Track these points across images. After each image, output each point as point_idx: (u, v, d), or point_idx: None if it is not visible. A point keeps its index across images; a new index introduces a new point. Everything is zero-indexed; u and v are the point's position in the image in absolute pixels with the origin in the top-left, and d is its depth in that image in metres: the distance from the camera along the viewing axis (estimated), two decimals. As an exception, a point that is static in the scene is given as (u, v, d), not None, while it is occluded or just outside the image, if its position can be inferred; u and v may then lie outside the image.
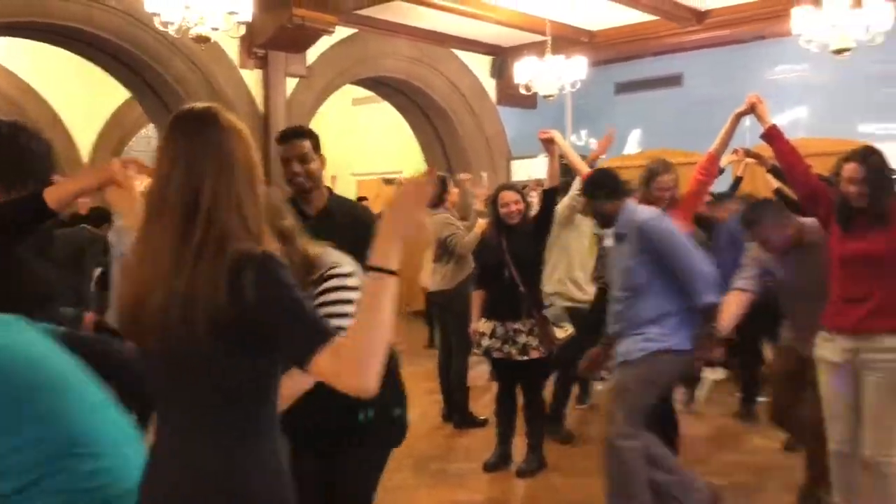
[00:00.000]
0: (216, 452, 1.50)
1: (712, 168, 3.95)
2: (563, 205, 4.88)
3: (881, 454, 3.10)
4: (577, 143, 10.91)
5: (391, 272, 1.42)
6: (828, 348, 3.24)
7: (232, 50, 7.81)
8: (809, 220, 3.49)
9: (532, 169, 10.02)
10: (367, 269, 1.43)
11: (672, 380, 3.74)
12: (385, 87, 10.04)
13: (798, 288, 3.52)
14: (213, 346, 1.46)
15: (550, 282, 4.96)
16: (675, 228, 3.50)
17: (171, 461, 1.53)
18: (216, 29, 5.90)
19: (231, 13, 5.84)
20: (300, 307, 1.44)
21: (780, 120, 9.07)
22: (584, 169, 4.39)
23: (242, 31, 6.29)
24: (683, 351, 3.40)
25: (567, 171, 4.76)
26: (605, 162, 9.48)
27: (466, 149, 10.19)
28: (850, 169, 3.16)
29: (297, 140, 2.77)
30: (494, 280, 4.38)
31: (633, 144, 10.42)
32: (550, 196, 4.41)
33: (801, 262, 3.48)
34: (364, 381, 1.39)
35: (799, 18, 6.27)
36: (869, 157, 3.17)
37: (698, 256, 3.41)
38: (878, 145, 3.34)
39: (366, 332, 1.41)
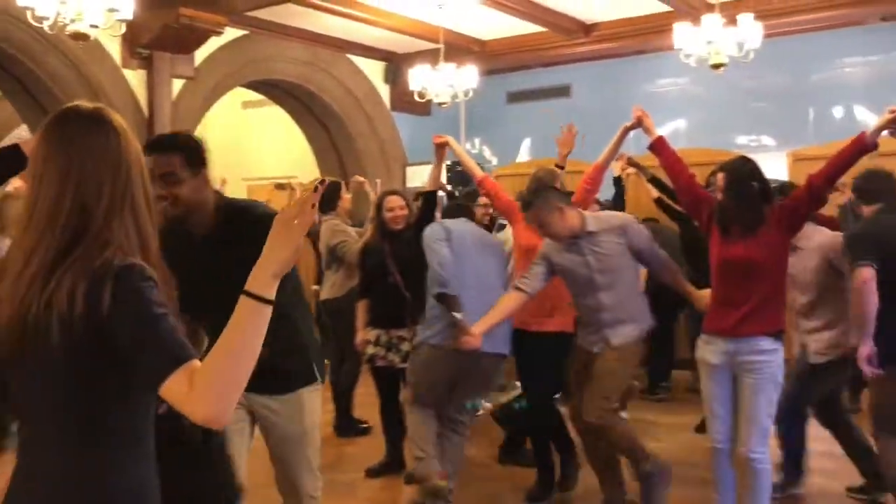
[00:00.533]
0: (75, 475, 1.41)
1: (598, 178, 4.07)
2: None
3: (755, 451, 3.25)
4: (470, 150, 11.03)
5: (267, 301, 1.37)
6: (707, 350, 3.38)
7: (114, 49, 7.48)
8: (605, 213, 3.71)
9: (427, 175, 10.05)
10: (243, 293, 1.37)
11: None
12: (277, 90, 9.86)
13: (581, 283, 3.70)
14: (69, 362, 1.38)
15: None
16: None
17: (28, 483, 1.44)
18: (95, 26, 5.62)
19: (111, 10, 5.58)
20: (157, 324, 1.36)
21: (662, 131, 9.36)
22: (479, 173, 4.42)
23: (123, 29, 6.02)
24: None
25: (464, 178, 4.80)
26: (496, 170, 9.67)
27: (361, 154, 10.12)
28: (718, 178, 3.39)
29: (163, 154, 2.31)
30: (378, 287, 4.34)
31: (524, 153, 10.63)
32: (431, 199, 4.37)
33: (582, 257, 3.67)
34: (216, 411, 1.32)
35: (679, 34, 6.55)
36: (735, 167, 3.34)
37: (433, 258, 3.87)
38: (751, 156, 3.52)
39: (228, 359, 1.34)
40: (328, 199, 5.38)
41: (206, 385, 1.32)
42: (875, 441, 3.66)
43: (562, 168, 4.27)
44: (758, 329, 3.23)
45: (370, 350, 4.37)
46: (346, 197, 5.60)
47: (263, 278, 1.37)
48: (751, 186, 3.26)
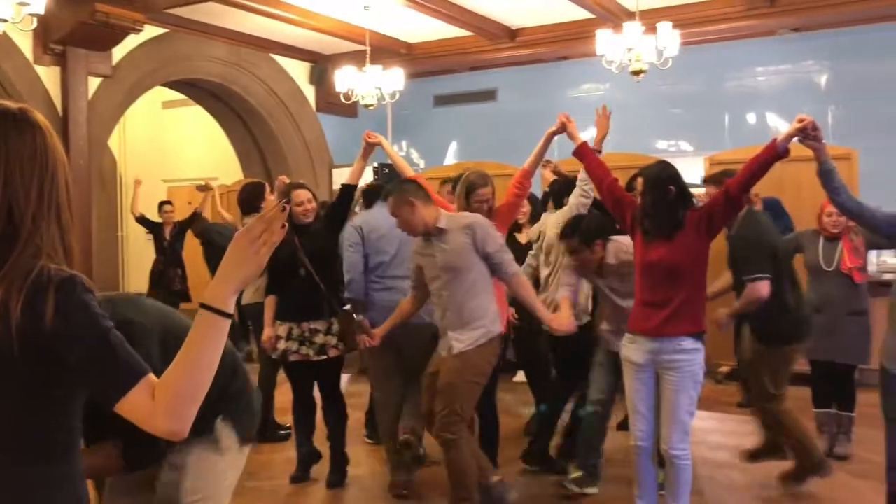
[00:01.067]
0: (19, 491, 1.35)
1: (526, 183, 4.11)
2: (573, 204, 4.42)
3: (676, 447, 3.34)
4: (398, 152, 11.02)
5: (226, 315, 1.35)
6: (631, 350, 3.46)
7: (25, 44, 7.17)
8: (460, 213, 3.92)
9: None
10: (201, 306, 1.35)
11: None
12: (199, 90, 9.64)
13: (432, 280, 3.85)
14: (7, 376, 1.32)
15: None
16: None
17: None
18: (4, 20, 5.39)
19: (22, 3, 5.36)
20: (109, 338, 1.33)
21: (586, 135, 9.59)
22: (410, 172, 4.42)
23: (35, 24, 5.79)
24: None
25: (392, 179, 4.78)
26: (424, 173, 9.68)
27: (286, 156, 9.98)
28: (638, 183, 3.54)
29: None
30: (289, 281, 4.29)
31: (450, 156, 10.68)
32: (348, 192, 4.38)
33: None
34: (178, 424, 1.31)
35: (601, 40, 6.69)
36: (654, 172, 3.43)
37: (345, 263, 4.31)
38: (671, 160, 3.62)
39: (189, 371, 1.32)
40: (250, 200, 5.29)
41: (170, 398, 1.30)
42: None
43: (599, 152, 3.96)
44: (680, 329, 3.31)
45: (281, 345, 4.29)
46: (271, 199, 5.49)
47: (222, 292, 1.35)
48: (669, 191, 3.34)
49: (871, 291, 4.83)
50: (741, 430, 4.72)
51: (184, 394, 1.32)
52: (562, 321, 3.63)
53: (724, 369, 6.53)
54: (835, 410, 4.72)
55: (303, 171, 10.01)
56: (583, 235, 3.82)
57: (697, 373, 3.35)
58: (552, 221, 4.51)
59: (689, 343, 3.32)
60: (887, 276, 5.70)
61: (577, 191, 4.33)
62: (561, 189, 4.71)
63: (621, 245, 3.86)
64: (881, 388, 3.12)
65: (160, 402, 1.31)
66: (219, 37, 8.80)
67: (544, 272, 4.57)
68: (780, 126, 8.61)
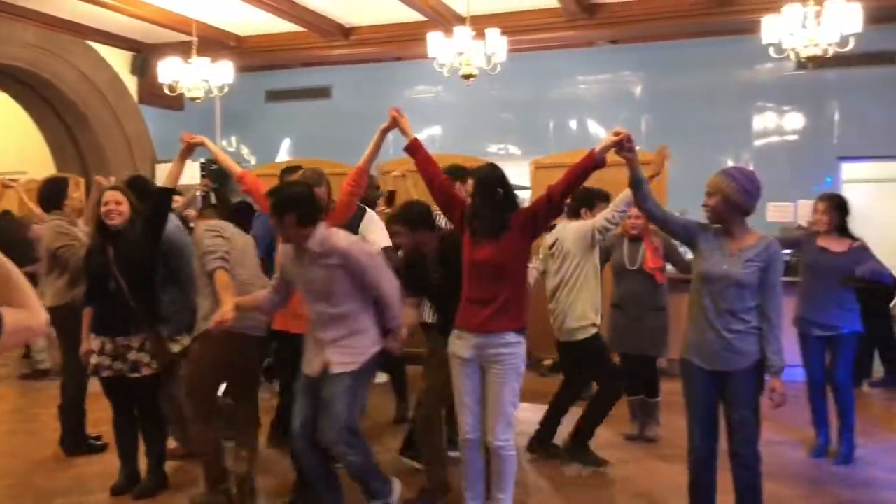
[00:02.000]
0: None
1: (361, 181, 4.08)
2: (598, 221, 4.40)
3: (501, 438, 3.48)
4: (227, 148, 10.67)
5: None
6: (458, 345, 3.55)
7: None
8: (340, 233, 3.58)
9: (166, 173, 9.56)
10: None
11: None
12: (4, 76, 8.86)
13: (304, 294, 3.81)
14: None
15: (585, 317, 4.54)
16: None
17: None
18: None
19: None
20: None
21: (419, 136, 9.83)
22: (238, 170, 4.25)
23: None
24: None
25: (220, 175, 4.57)
26: (255, 169, 9.44)
27: (105, 149, 9.39)
28: (469, 184, 3.63)
29: None
30: (101, 292, 4.04)
31: (283, 152, 10.48)
32: (165, 199, 4.12)
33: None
34: None
35: (434, 44, 6.81)
36: (483, 174, 3.55)
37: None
38: (499, 163, 3.74)
39: None
40: (51, 196, 4.92)
41: None
42: None
43: (649, 180, 3.63)
44: (504, 325, 3.45)
45: (94, 360, 4.05)
46: (75, 195, 5.10)
47: None
48: (497, 193, 3.48)
49: (674, 288, 5.25)
50: (564, 421, 4.97)
51: None
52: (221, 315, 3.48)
53: (548, 362, 6.85)
54: (642, 398, 5.10)
55: (122, 166, 9.46)
56: (406, 220, 3.86)
57: (520, 365, 3.51)
58: (570, 232, 4.57)
59: (512, 337, 3.46)
60: (687, 275, 6.21)
61: (607, 213, 4.38)
62: (581, 200, 4.71)
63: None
64: (682, 377, 3.41)
65: None
66: (27, 19, 8.13)
67: (552, 282, 4.62)
68: (599, 132, 9.16)
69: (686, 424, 3.36)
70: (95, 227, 4.13)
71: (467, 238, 3.53)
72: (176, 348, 4.18)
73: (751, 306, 3.24)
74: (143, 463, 4.29)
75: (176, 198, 4.55)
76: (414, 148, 3.74)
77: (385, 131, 3.92)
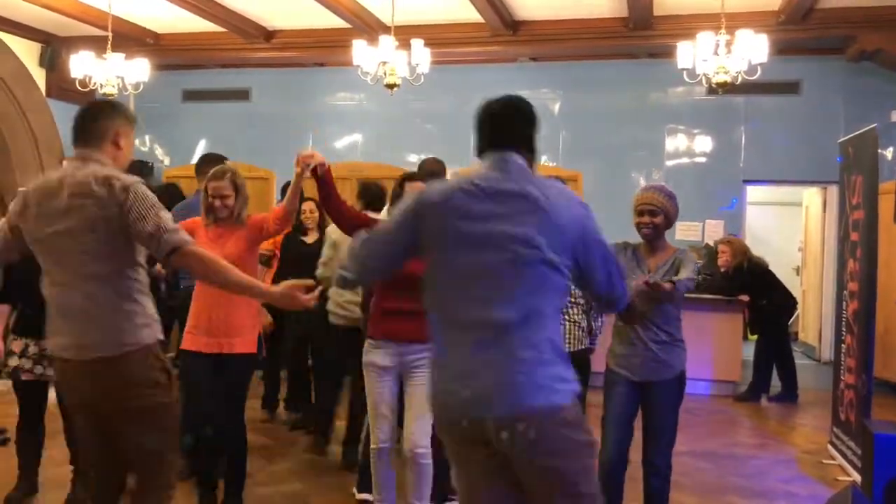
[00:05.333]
0: None
1: (283, 225, 3.81)
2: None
3: (421, 446, 3.45)
4: (141, 148, 10.36)
5: None
6: (377, 354, 3.53)
7: None
8: None
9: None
10: None
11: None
12: None
13: None
14: None
15: None
16: None
17: None
18: None
19: None
20: None
21: (340, 143, 9.84)
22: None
23: None
24: None
25: (147, 169, 4.41)
26: (170, 170, 9.19)
27: (7, 143, 8.96)
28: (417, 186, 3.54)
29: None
30: (27, 294, 3.87)
31: (199, 153, 10.22)
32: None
33: None
34: None
35: (358, 51, 6.80)
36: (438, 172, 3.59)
37: None
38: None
39: None
40: None
41: None
42: None
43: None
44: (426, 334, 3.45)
45: (13, 362, 3.87)
46: None
47: None
48: None
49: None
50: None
51: None
52: None
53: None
54: None
55: (28, 161, 9.05)
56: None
57: None
58: None
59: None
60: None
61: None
62: None
63: None
64: (606, 387, 3.51)
65: None
66: (-74, 2, 7.72)
67: None
68: (518, 147, 9.30)
69: (601, 434, 3.45)
70: None
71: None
72: None
73: (675, 316, 3.37)
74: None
75: None
76: (325, 177, 3.40)
77: (300, 177, 3.50)
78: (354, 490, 4.06)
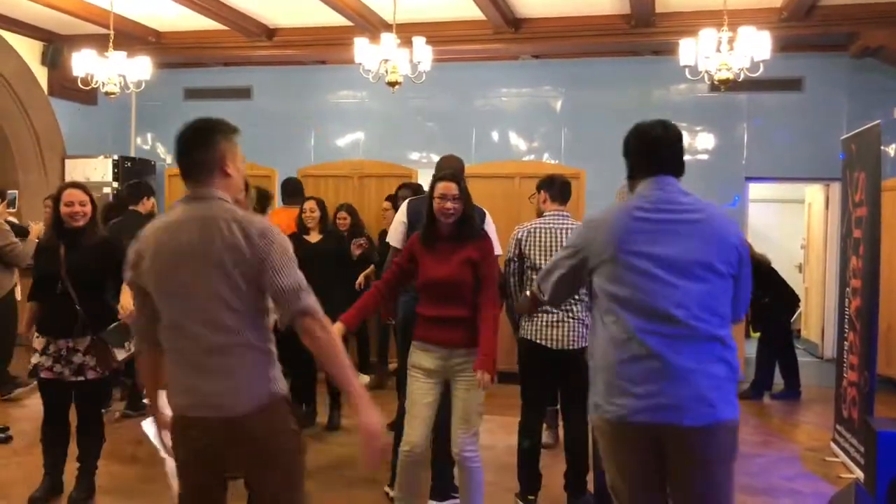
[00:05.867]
0: None
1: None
2: None
3: (465, 450, 3.43)
4: (143, 146, 10.37)
5: None
6: (421, 357, 3.50)
7: None
8: None
9: (89, 169, 9.24)
10: None
11: None
12: None
13: None
14: None
15: None
16: None
17: None
18: None
19: None
20: None
21: (342, 141, 9.83)
22: None
23: None
24: None
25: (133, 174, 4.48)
26: (174, 168, 9.18)
27: (10, 142, 8.97)
28: (445, 186, 3.50)
29: None
30: (48, 292, 3.91)
31: (202, 152, 10.24)
32: None
33: None
34: None
35: (359, 49, 6.79)
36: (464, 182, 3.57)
37: None
38: (421, 171, 3.75)
39: None
40: None
41: None
42: None
43: None
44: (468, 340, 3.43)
45: (34, 359, 3.93)
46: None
47: None
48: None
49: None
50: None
51: None
52: None
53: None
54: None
55: (30, 160, 9.07)
56: None
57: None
58: None
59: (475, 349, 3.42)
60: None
61: None
62: None
63: None
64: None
65: None
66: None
67: None
68: (520, 144, 9.30)
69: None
70: (54, 224, 4.01)
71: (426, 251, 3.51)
72: (122, 355, 4.02)
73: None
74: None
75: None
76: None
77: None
78: (387, 488, 4.12)
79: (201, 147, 2.33)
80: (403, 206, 4.23)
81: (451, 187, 3.45)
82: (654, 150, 2.58)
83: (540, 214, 4.20)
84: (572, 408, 4.06)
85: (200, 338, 2.24)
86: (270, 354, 2.33)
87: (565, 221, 4.06)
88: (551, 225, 4.04)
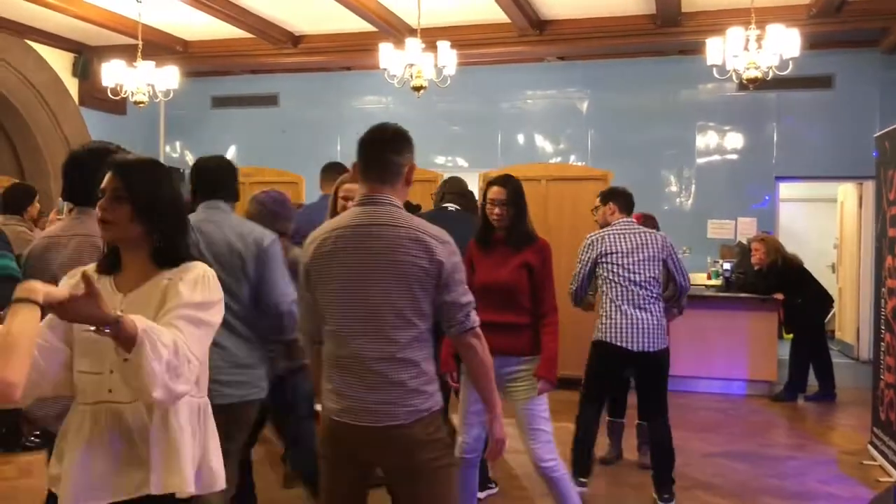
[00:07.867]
0: None
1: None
2: None
3: (542, 460, 3.33)
4: (171, 154, 10.49)
5: None
6: None
7: None
8: None
9: (120, 179, 9.34)
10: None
11: None
12: (-64, 73, 8.55)
13: None
14: None
15: None
16: None
17: None
18: None
19: None
20: None
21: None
22: None
23: None
24: None
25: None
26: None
27: (42, 152, 9.11)
28: (496, 191, 3.45)
29: None
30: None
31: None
32: None
33: None
34: None
35: (384, 54, 6.80)
36: (517, 183, 3.49)
37: None
38: (449, 175, 3.73)
39: None
40: (18, 202, 5.07)
41: None
42: None
43: None
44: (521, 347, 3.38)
45: None
46: (38, 205, 5.28)
47: None
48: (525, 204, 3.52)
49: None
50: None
51: None
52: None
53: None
54: None
55: (61, 170, 9.19)
56: None
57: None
58: None
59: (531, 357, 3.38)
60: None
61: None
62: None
63: None
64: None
65: None
66: (-37, 15, 7.87)
67: None
68: (546, 146, 9.26)
69: None
70: None
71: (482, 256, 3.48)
72: None
73: None
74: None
75: None
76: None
77: None
78: None
79: (397, 152, 2.35)
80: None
81: (500, 192, 3.41)
82: None
83: (605, 225, 4.42)
84: (650, 407, 4.28)
85: (367, 347, 2.24)
86: (431, 370, 2.33)
87: (636, 228, 4.31)
88: (627, 230, 4.27)
